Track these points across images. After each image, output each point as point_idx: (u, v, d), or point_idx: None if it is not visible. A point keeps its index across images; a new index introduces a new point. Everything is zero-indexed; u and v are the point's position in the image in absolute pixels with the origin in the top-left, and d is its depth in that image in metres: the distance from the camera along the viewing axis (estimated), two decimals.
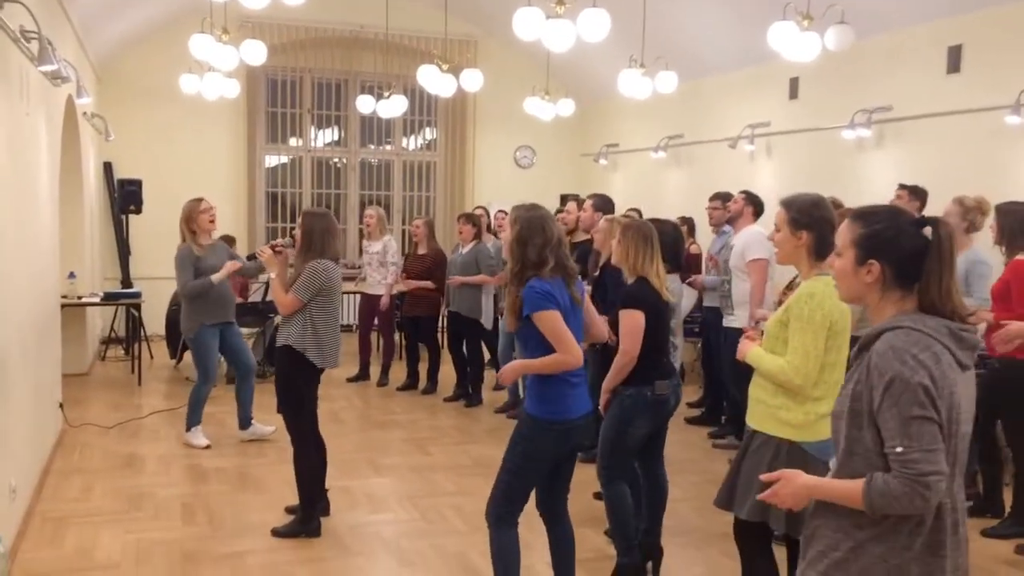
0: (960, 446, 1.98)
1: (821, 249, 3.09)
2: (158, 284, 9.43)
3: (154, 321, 9.32)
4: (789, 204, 3.16)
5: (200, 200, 6.12)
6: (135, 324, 8.72)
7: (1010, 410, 4.75)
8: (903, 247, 1.98)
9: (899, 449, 1.88)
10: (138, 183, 9.59)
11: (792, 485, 2.10)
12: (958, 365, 1.95)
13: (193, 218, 6.00)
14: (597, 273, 5.64)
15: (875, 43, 7.05)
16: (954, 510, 1.99)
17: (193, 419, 6.18)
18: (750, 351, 3.18)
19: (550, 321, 3.29)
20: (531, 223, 3.40)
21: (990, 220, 5.04)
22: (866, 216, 2.06)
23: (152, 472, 5.62)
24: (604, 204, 6.48)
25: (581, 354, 3.33)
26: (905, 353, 1.91)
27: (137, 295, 8.67)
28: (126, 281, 9.92)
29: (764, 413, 3.13)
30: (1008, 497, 4.89)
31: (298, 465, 4.56)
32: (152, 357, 9.14)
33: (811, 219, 3.08)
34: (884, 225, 2.02)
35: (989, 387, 4.83)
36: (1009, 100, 6.01)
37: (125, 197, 9.56)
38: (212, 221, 6.09)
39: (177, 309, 8.71)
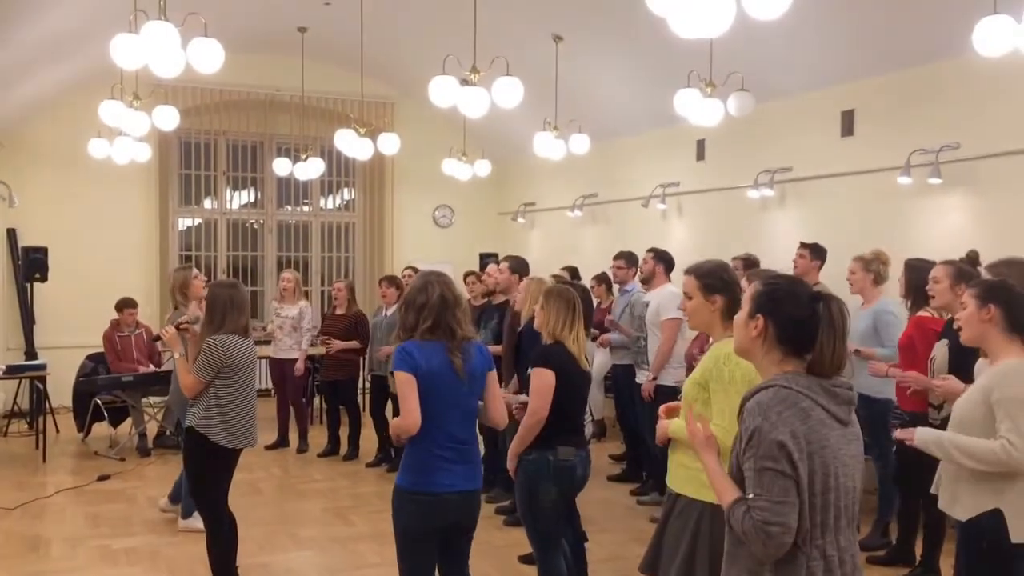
0: (843, 499, 2.09)
1: (734, 311, 3.19)
2: (64, 354, 9.06)
3: (60, 393, 8.94)
4: (698, 271, 3.27)
5: (190, 267, 6.47)
6: (40, 397, 8.36)
7: (914, 462, 4.90)
8: (790, 311, 2.16)
9: (751, 495, 2.06)
10: (44, 250, 9.28)
11: (698, 438, 2.33)
12: (835, 420, 2.09)
13: (188, 284, 6.05)
14: (516, 336, 5.67)
15: (774, 108, 7.41)
16: (842, 563, 2.09)
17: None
18: (670, 428, 3.22)
19: (399, 383, 3.25)
20: (415, 287, 3.40)
21: (894, 271, 5.30)
22: (770, 279, 2.26)
23: (58, 556, 5.36)
24: (519, 266, 6.57)
25: (416, 421, 3.20)
26: (770, 410, 2.06)
27: (42, 367, 8.31)
28: (30, 352, 9.53)
29: (686, 476, 3.14)
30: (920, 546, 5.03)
31: (210, 548, 4.39)
32: (58, 431, 8.75)
33: (722, 283, 3.20)
34: (780, 287, 2.21)
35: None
36: (900, 162, 6.37)
37: (30, 265, 9.23)
38: (203, 287, 6.21)
39: (84, 380, 8.42)
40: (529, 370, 4.30)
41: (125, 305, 8.33)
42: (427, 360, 3.26)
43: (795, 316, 2.14)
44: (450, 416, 3.31)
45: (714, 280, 3.21)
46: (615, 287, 7.53)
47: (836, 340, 2.12)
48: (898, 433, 3.41)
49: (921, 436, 3.25)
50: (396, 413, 3.38)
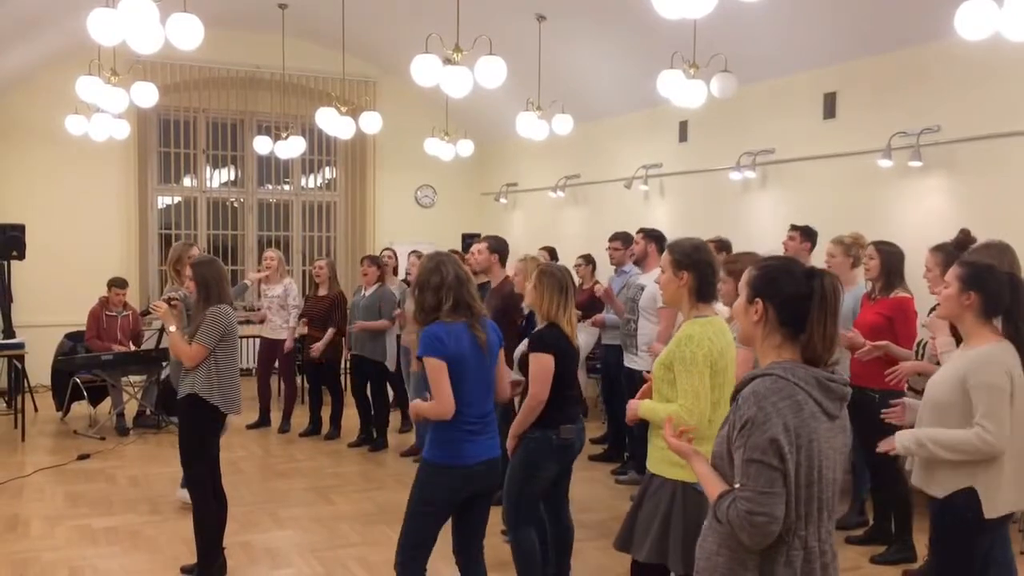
0: (825, 491, 2.11)
1: (701, 291, 3.25)
2: (43, 332, 8.99)
3: (39, 371, 8.88)
4: (672, 247, 3.35)
5: (192, 245, 6.12)
6: (18, 375, 8.29)
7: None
8: (786, 290, 2.13)
9: (738, 485, 2.07)
10: (21, 228, 9.16)
11: (683, 452, 2.34)
12: (824, 414, 2.08)
13: (182, 261, 5.79)
14: (523, 320, 5.64)
15: (757, 90, 7.42)
16: (823, 553, 2.12)
17: None
18: (640, 408, 3.29)
19: (431, 369, 3.33)
20: (427, 267, 3.46)
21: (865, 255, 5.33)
22: (763, 262, 2.24)
23: (37, 535, 5.33)
24: (499, 245, 6.46)
25: (451, 407, 3.32)
26: (764, 400, 2.04)
27: (20, 345, 8.24)
28: (8, 330, 9.43)
29: (660, 457, 3.21)
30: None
31: (198, 518, 4.43)
32: (36, 410, 8.69)
33: (691, 261, 3.24)
34: (773, 269, 2.19)
35: (868, 418, 5.09)
36: (880, 144, 6.40)
37: (7, 243, 9.11)
38: None
39: (63, 358, 8.35)
40: (517, 352, 4.32)
41: (115, 284, 8.26)
42: (456, 343, 3.34)
43: (793, 295, 2.11)
44: (477, 392, 3.42)
45: (684, 258, 3.26)
46: (613, 269, 7.46)
47: (827, 317, 2.10)
48: (882, 446, 3.38)
49: (901, 442, 3.26)
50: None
